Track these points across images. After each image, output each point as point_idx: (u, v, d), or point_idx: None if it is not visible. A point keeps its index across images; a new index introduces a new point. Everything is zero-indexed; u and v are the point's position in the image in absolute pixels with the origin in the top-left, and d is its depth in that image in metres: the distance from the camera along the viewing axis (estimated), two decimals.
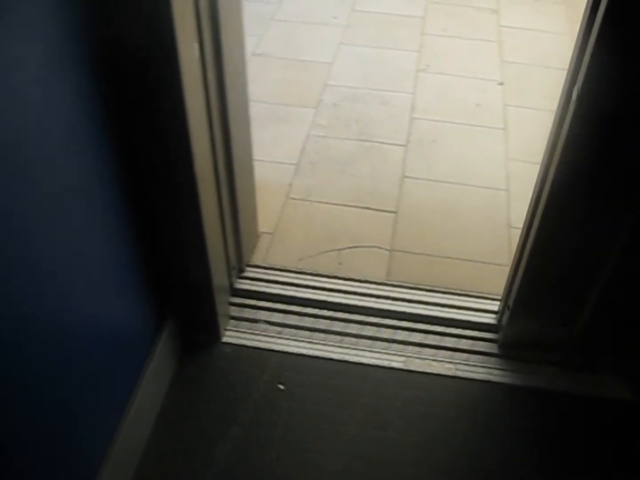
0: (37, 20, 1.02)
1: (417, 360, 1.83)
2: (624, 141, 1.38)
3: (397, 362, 1.82)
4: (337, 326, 1.90)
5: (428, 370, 1.81)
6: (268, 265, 2.06)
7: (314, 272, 2.04)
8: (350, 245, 2.15)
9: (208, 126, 1.52)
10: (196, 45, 1.37)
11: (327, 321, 1.91)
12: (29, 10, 0.99)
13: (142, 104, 1.34)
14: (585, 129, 1.37)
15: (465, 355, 1.85)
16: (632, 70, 1.28)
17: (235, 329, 1.89)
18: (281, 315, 1.93)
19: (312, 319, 1.92)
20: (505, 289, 1.85)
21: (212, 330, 1.84)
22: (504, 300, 1.85)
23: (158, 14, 1.20)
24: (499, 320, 1.90)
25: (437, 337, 1.89)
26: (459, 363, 1.82)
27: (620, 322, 1.72)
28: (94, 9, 1.17)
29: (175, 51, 1.24)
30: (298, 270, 2.04)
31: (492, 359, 1.84)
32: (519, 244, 1.73)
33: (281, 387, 1.76)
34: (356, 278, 2.02)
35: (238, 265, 1.98)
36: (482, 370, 1.81)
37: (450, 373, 1.80)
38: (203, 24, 1.38)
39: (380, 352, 1.85)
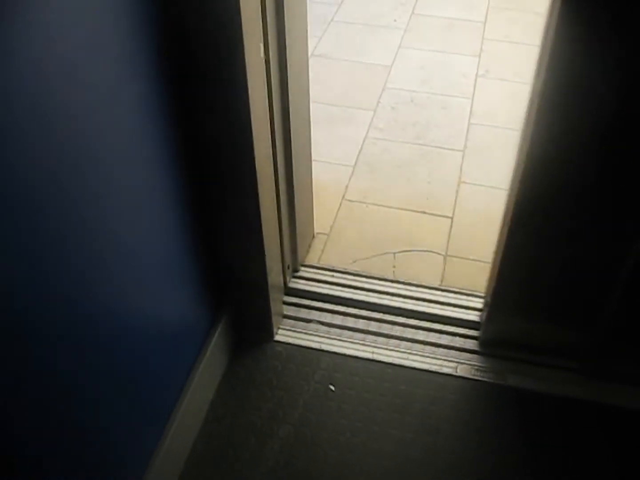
0: (111, 17, 1.04)
1: (467, 367, 1.82)
2: (590, 132, 1.36)
3: (447, 368, 1.81)
4: (390, 329, 1.90)
5: (478, 377, 1.79)
6: (322, 266, 2.07)
7: (368, 275, 2.03)
8: (405, 249, 2.14)
9: (270, 125, 1.53)
10: (261, 46, 1.38)
11: (380, 324, 1.91)
12: (105, 7, 1.02)
13: (206, 102, 1.36)
14: (550, 119, 1.36)
15: (516, 364, 1.83)
16: (593, 62, 1.27)
17: (288, 327, 1.90)
18: (334, 316, 1.93)
19: (364, 321, 1.92)
20: (487, 287, 1.83)
21: (265, 328, 1.85)
22: (485, 298, 1.84)
23: (226, 15, 1.21)
24: (481, 317, 1.89)
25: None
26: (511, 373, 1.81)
27: (618, 326, 1.70)
28: (164, 7, 1.19)
29: (242, 51, 1.26)
30: (352, 272, 2.04)
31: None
32: (497, 241, 1.71)
33: (332, 388, 1.76)
34: (410, 282, 2.01)
35: (293, 264, 1.99)
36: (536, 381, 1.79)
37: (501, 381, 1.78)
38: (269, 24, 1.39)
39: (431, 357, 1.84)
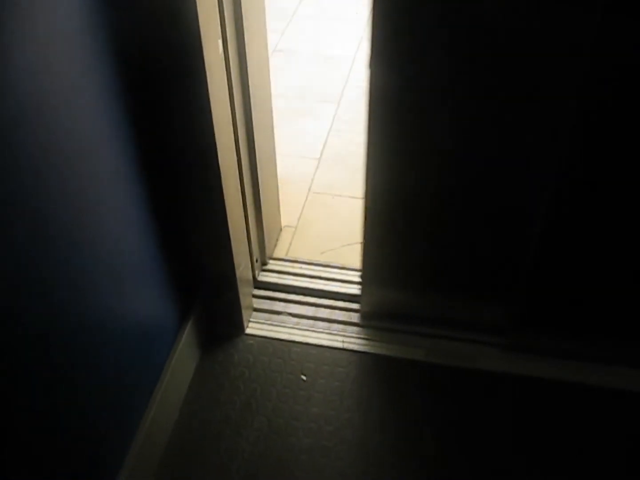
0: (67, 14, 1.05)
1: (439, 352, 1.84)
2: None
3: (418, 355, 1.84)
4: (359, 318, 1.92)
5: (452, 364, 1.82)
6: (291, 258, 2.08)
7: (336, 265, 2.05)
8: None
9: (232, 121, 1.54)
10: (220, 42, 1.39)
11: (349, 313, 1.93)
12: (62, 6, 1.02)
13: (167, 99, 1.36)
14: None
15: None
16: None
17: (258, 320, 1.92)
18: (303, 307, 1.95)
19: (333, 311, 1.94)
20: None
21: (236, 322, 1.87)
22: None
23: (183, 11, 1.22)
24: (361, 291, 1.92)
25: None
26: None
27: (476, 294, 1.78)
28: (121, 5, 1.19)
29: (200, 47, 1.26)
30: (320, 263, 2.06)
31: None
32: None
33: (304, 378, 1.78)
34: None
35: (261, 258, 2.00)
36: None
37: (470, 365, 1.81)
38: (226, 20, 1.40)
39: (401, 345, 1.86)
